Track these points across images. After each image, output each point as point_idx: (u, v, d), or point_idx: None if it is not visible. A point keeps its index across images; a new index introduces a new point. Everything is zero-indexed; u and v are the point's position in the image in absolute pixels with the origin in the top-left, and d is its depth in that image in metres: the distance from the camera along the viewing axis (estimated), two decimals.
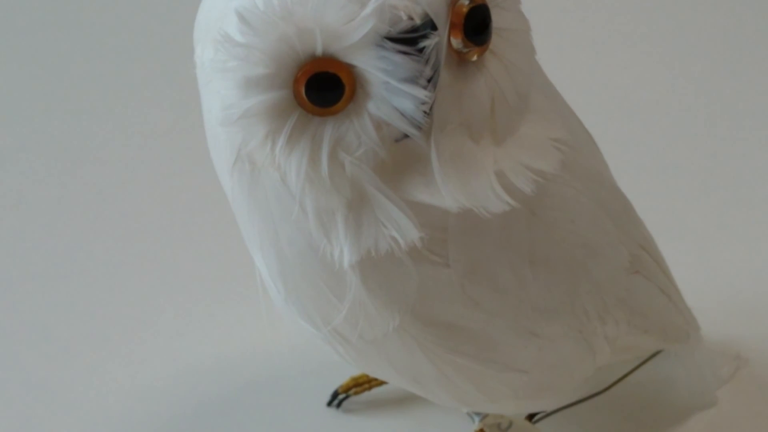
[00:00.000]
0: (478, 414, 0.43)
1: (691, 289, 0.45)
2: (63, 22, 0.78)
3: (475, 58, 0.34)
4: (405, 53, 0.32)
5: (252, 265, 0.38)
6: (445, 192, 0.34)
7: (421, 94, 0.33)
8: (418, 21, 0.32)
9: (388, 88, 0.33)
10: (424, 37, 0.32)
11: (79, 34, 0.76)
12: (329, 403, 0.48)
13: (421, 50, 0.32)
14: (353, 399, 0.47)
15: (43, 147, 0.66)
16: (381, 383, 0.47)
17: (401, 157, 0.34)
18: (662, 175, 0.61)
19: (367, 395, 0.48)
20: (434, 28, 0.33)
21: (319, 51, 0.32)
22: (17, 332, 0.53)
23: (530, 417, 0.45)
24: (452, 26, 0.33)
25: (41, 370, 0.51)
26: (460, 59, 0.34)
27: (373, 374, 0.44)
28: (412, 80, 0.33)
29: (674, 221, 0.54)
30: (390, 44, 0.32)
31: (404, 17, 0.32)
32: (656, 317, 0.43)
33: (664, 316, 0.43)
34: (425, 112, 0.33)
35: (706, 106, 0.68)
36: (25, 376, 0.51)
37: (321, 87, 0.33)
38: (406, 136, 0.34)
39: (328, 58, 0.33)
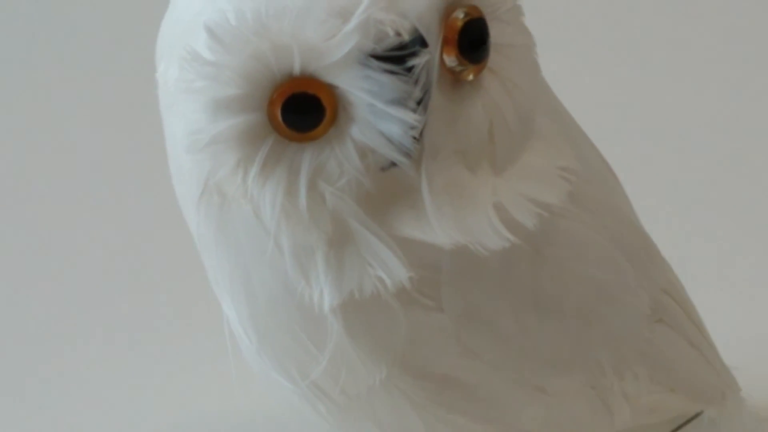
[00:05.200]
0: None
1: (731, 344, 0.47)
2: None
3: (471, 77, 0.36)
4: (392, 72, 0.34)
5: (219, 313, 0.40)
6: (437, 227, 0.36)
7: (410, 117, 0.35)
8: (406, 37, 0.34)
9: (374, 111, 0.35)
10: (414, 54, 0.35)
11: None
12: None
13: (410, 69, 0.35)
14: None
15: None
16: None
17: (388, 188, 0.36)
18: (696, 212, 0.63)
19: None
20: (425, 44, 0.35)
21: (296, 70, 0.34)
22: None
23: None
24: (445, 42, 0.36)
25: None
26: (454, 79, 0.36)
27: None
28: (400, 102, 0.35)
29: (711, 265, 0.56)
30: (375, 63, 0.34)
31: (391, 33, 0.34)
32: (684, 373, 0.44)
33: (694, 373, 0.45)
34: (415, 138, 0.35)
35: (751, 134, 0.70)
36: None
37: (299, 109, 0.35)
38: (393, 164, 0.36)
39: (307, 78, 0.35)
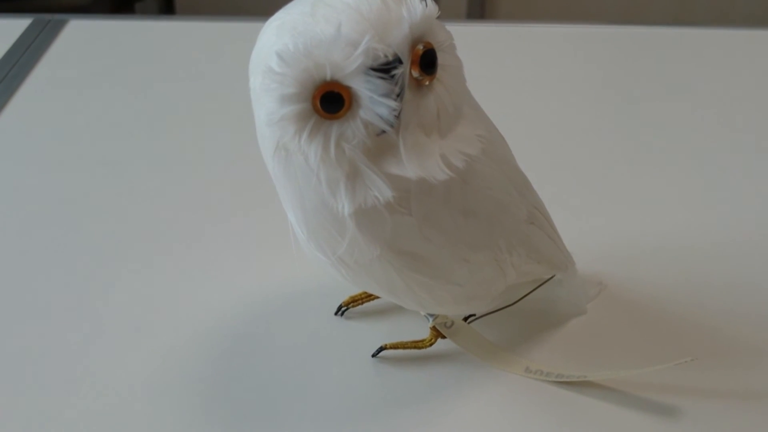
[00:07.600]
0: (431, 315, 0.44)
1: (571, 239, 0.46)
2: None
3: (427, 83, 0.35)
4: (383, 78, 0.33)
5: (286, 220, 0.38)
6: (408, 167, 0.35)
7: (393, 104, 0.33)
8: (390, 58, 0.33)
9: (372, 101, 0.33)
10: (395, 68, 0.33)
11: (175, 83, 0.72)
12: (336, 313, 0.47)
13: (393, 76, 0.33)
14: (352, 310, 0.47)
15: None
16: (370, 299, 0.47)
17: (381, 145, 0.34)
18: (554, 169, 0.61)
19: (361, 308, 0.47)
20: (401, 63, 0.33)
21: (328, 77, 0.33)
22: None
23: (466, 319, 0.45)
24: (412, 62, 0.34)
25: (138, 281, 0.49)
26: (417, 84, 0.35)
27: (364, 289, 0.42)
28: (387, 95, 0.33)
29: (562, 198, 0.54)
30: (373, 73, 0.33)
31: (382, 56, 0.33)
32: (545, 253, 0.43)
33: (551, 253, 0.43)
34: (396, 116, 0.34)
35: (579, 129, 0.68)
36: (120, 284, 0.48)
37: (330, 101, 0.33)
38: (383, 132, 0.34)
39: (335, 82, 0.33)
